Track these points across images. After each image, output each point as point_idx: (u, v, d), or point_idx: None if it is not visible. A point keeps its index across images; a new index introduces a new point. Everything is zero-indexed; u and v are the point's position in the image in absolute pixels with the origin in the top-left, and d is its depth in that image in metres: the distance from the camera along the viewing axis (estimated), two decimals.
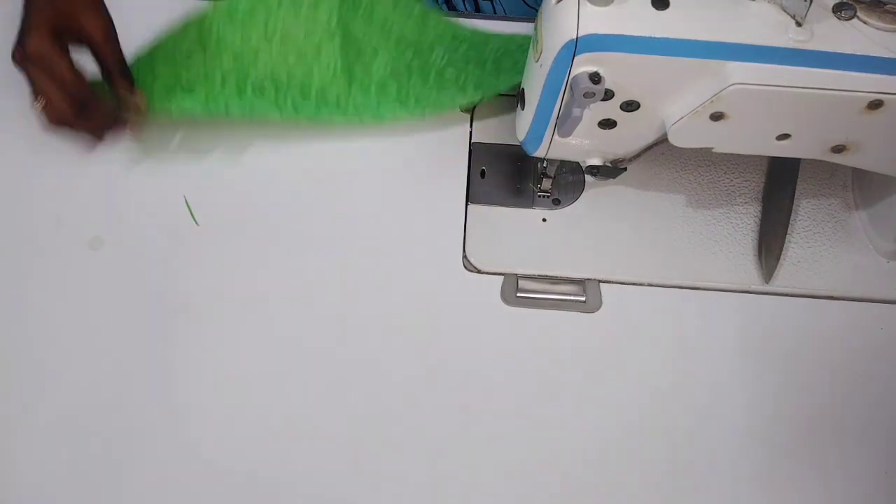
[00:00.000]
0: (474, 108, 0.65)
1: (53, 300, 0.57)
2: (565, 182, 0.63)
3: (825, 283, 0.59)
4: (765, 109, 0.48)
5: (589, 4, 0.45)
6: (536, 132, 0.54)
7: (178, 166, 0.62)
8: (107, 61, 0.54)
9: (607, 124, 0.52)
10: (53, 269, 0.58)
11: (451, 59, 0.63)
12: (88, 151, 0.61)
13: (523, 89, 0.54)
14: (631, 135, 0.53)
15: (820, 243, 0.61)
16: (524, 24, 0.71)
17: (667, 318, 0.58)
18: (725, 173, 0.64)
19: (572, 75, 0.47)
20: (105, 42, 0.54)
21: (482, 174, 0.64)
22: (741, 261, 0.60)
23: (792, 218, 0.61)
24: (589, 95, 0.47)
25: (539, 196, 0.62)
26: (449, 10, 0.80)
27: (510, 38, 0.66)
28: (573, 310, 0.58)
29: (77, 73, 0.52)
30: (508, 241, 0.61)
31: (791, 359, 0.56)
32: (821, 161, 0.53)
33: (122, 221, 0.60)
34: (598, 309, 0.58)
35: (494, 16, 0.79)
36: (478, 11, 0.80)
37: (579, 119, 0.49)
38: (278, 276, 0.59)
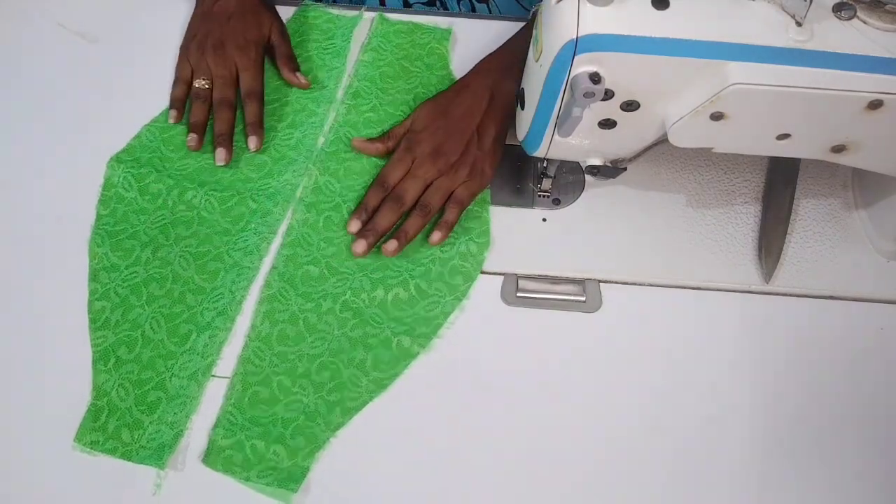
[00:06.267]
0: None
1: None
2: (565, 182, 0.63)
3: (825, 283, 0.59)
4: (765, 109, 0.48)
5: (589, 4, 0.45)
6: (536, 132, 0.53)
7: None
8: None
9: (607, 124, 0.52)
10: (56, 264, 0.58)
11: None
12: None
13: (523, 89, 0.54)
14: (631, 135, 0.53)
15: (820, 243, 0.61)
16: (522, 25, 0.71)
17: (667, 318, 0.58)
18: (725, 173, 0.64)
19: (572, 75, 0.47)
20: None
21: None
22: (741, 261, 0.60)
23: (792, 218, 0.61)
24: (589, 95, 0.47)
25: (539, 196, 0.62)
26: (445, 10, 0.80)
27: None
28: (573, 310, 0.58)
29: None
30: (508, 241, 0.60)
31: (791, 359, 0.56)
32: (821, 161, 0.53)
33: None
34: (598, 309, 0.58)
35: (489, 16, 0.79)
36: (473, 12, 0.80)
37: (579, 119, 0.49)
38: None
